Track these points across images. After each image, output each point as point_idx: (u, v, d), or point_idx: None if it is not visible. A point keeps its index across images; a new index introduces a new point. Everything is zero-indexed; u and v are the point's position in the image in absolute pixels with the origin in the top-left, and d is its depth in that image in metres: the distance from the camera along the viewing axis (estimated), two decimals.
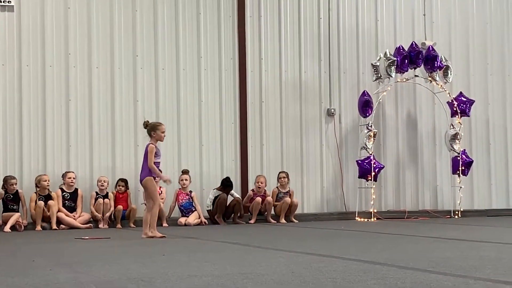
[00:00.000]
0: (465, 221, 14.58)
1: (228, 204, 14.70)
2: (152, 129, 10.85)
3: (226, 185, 14.78)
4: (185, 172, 14.73)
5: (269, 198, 14.94)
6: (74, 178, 13.98)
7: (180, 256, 7.55)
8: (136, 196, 14.74)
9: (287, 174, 15.39)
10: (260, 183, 15.08)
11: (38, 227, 13.42)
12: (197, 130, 15.49)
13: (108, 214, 13.94)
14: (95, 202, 13.97)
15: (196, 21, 15.66)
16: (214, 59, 15.75)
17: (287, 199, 14.99)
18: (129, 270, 6.08)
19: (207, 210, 14.72)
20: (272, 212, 15.10)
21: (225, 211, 14.65)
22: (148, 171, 10.67)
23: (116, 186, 14.42)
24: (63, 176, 14.03)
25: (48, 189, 13.78)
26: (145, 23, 15.29)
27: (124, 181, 14.46)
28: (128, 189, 14.49)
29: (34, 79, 14.53)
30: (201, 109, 15.55)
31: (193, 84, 15.56)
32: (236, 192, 15.02)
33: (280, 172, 15.45)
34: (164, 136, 11.03)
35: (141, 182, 10.84)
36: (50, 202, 13.55)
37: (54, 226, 13.41)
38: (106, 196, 14.06)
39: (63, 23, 14.76)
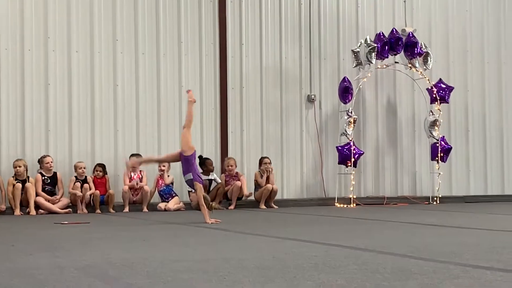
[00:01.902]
0: (444, 207, 14.67)
1: (211, 189, 14.67)
2: None
3: (200, 164, 14.66)
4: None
5: (242, 179, 14.92)
6: (52, 162, 13.91)
7: (161, 241, 7.54)
8: (116, 181, 14.70)
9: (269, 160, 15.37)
10: (230, 166, 15.05)
11: (17, 211, 13.33)
12: (177, 115, 15.45)
13: (88, 194, 13.76)
14: (74, 185, 13.87)
15: (176, 6, 15.59)
16: (195, 44, 15.69)
17: (268, 185, 14.99)
18: (109, 255, 6.07)
19: (188, 191, 14.70)
20: (252, 198, 15.11)
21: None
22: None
23: (93, 171, 14.34)
24: (40, 161, 13.92)
25: (25, 173, 13.67)
26: (125, 7, 15.20)
27: (102, 166, 14.39)
28: (106, 174, 14.41)
29: (12, 63, 14.41)
30: (181, 94, 15.49)
31: (173, 69, 15.51)
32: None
33: (265, 157, 15.41)
34: None
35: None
36: (27, 184, 13.46)
37: (33, 210, 13.34)
38: (85, 180, 13.99)
39: (42, 6, 14.63)
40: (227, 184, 14.99)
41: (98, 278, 4.79)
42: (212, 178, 14.84)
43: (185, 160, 10.63)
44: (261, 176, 15.17)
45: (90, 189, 13.89)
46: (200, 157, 14.82)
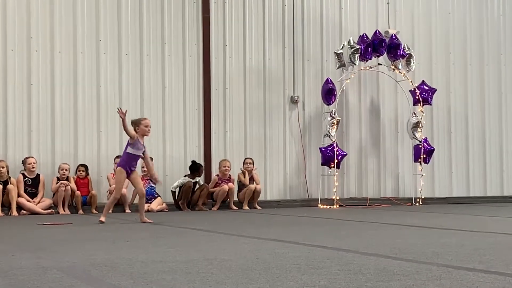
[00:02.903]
0: (426, 209, 14.72)
1: (194, 189, 14.66)
2: (135, 124, 10.81)
3: (192, 169, 14.74)
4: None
5: (231, 185, 14.93)
6: (35, 163, 13.83)
7: (144, 242, 7.53)
8: (99, 182, 14.66)
9: (252, 160, 15.38)
10: (227, 167, 15.05)
11: None
12: (161, 116, 15.43)
13: (68, 188, 13.71)
14: (57, 187, 13.79)
15: (160, 7, 15.56)
16: (178, 45, 15.68)
17: (251, 185, 15.00)
18: (92, 256, 6.05)
19: (171, 191, 14.69)
20: (236, 198, 15.12)
21: (191, 197, 14.63)
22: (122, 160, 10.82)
23: (76, 172, 14.28)
24: (23, 162, 13.87)
25: (7, 174, 13.59)
26: (108, 7, 15.16)
27: (84, 166, 14.34)
28: (88, 174, 14.36)
29: None
30: (164, 95, 15.48)
31: (156, 70, 15.48)
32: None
33: (247, 158, 15.43)
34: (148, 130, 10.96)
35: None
36: (9, 186, 13.39)
37: (14, 211, 13.27)
38: (67, 180, 13.93)
39: (25, 6, 14.57)
40: (217, 185, 14.96)
41: (81, 279, 4.77)
42: (197, 181, 14.81)
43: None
44: (244, 175, 15.17)
45: (72, 191, 13.80)
46: (194, 162, 14.82)
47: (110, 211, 11.44)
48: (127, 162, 10.75)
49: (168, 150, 15.44)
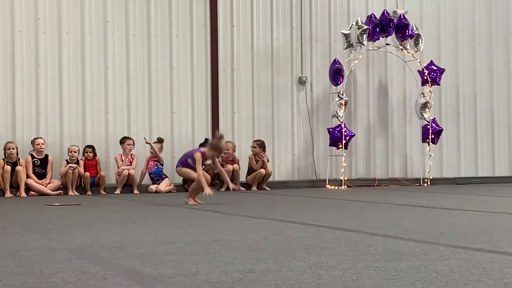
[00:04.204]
0: (434, 189, 14.71)
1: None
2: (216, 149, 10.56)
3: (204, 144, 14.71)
4: (160, 141, 14.64)
5: (236, 166, 14.88)
6: (43, 144, 13.84)
7: (152, 223, 7.55)
8: (107, 163, 14.69)
9: (259, 143, 15.22)
10: (227, 150, 15.03)
11: (8, 193, 13.31)
12: (168, 98, 15.42)
13: (76, 172, 13.73)
14: (66, 171, 13.79)
15: None
16: (186, 26, 15.64)
17: (262, 170, 14.94)
18: (100, 237, 6.07)
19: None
20: (244, 180, 15.11)
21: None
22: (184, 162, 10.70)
23: (83, 153, 14.29)
24: (32, 142, 13.90)
25: (16, 156, 13.62)
26: None
27: (91, 147, 14.31)
28: (96, 155, 14.36)
29: (2, 45, 14.33)
30: (172, 76, 15.47)
31: (164, 51, 15.46)
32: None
33: (254, 141, 15.32)
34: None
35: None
36: (18, 168, 13.42)
37: (23, 192, 13.31)
38: (76, 163, 13.94)
39: None
40: (222, 166, 14.90)
41: (89, 259, 4.79)
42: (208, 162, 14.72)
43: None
44: (256, 161, 15.09)
45: (79, 174, 13.79)
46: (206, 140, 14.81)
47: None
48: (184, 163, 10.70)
49: (176, 132, 15.45)
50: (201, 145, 14.71)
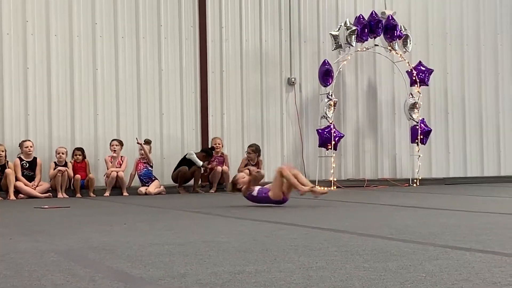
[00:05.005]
0: (424, 189, 14.75)
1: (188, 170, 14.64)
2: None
3: (208, 154, 14.72)
4: (147, 142, 14.61)
5: (225, 168, 14.87)
6: (31, 147, 13.80)
7: (142, 225, 7.54)
8: (96, 166, 14.66)
9: (253, 149, 15.00)
10: (217, 144, 15.06)
11: None
12: (157, 99, 15.41)
13: (65, 174, 13.67)
14: (55, 174, 13.74)
15: None
16: (174, 28, 15.63)
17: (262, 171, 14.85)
18: (90, 239, 6.06)
19: (186, 158, 14.68)
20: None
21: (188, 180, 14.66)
22: None
23: (72, 156, 14.25)
24: (20, 145, 13.85)
25: (5, 158, 13.58)
26: None
27: (81, 150, 14.28)
28: (85, 158, 14.33)
29: None
30: (161, 78, 15.46)
31: (153, 52, 15.45)
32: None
33: (249, 146, 15.21)
34: None
35: None
36: (7, 170, 13.39)
37: (12, 195, 13.27)
38: (65, 165, 13.91)
39: None
40: (210, 162, 14.89)
41: (78, 262, 4.78)
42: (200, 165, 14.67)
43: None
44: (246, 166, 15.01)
45: (69, 176, 13.77)
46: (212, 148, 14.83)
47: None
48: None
49: (165, 133, 15.43)
50: (205, 152, 14.75)
